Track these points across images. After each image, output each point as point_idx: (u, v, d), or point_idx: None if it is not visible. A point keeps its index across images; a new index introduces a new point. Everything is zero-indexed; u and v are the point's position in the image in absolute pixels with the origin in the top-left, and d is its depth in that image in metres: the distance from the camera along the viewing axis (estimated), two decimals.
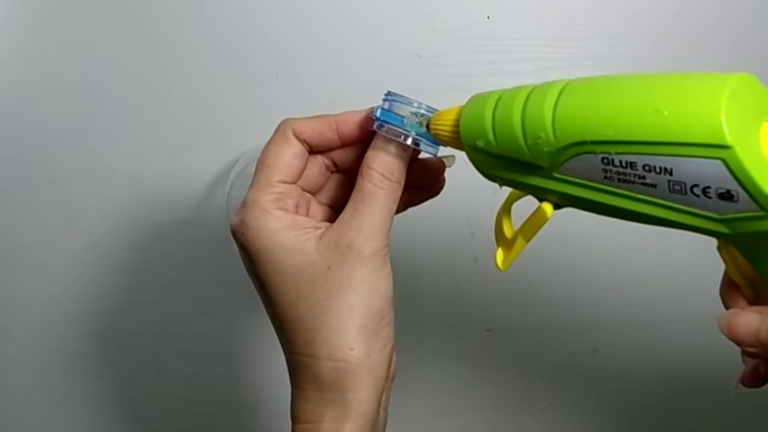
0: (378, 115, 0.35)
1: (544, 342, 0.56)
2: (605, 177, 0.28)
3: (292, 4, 0.55)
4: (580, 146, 0.27)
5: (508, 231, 0.34)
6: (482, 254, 0.55)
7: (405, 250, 0.55)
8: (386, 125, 0.35)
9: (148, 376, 0.58)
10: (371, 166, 0.35)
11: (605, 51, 0.54)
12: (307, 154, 0.38)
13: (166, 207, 0.56)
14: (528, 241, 0.33)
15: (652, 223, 0.28)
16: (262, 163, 0.37)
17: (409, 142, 0.35)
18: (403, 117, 0.35)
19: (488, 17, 0.54)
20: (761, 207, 0.24)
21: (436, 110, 0.35)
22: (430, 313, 0.56)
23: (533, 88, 0.29)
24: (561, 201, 0.31)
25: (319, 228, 0.36)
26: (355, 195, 0.36)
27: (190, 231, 0.56)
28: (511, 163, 0.30)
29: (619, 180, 0.27)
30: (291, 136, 0.37)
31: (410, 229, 0.54)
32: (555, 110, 0.28)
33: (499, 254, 0.35)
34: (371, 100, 0.36)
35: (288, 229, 0.35)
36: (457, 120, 0.32)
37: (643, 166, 0.26)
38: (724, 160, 0.24)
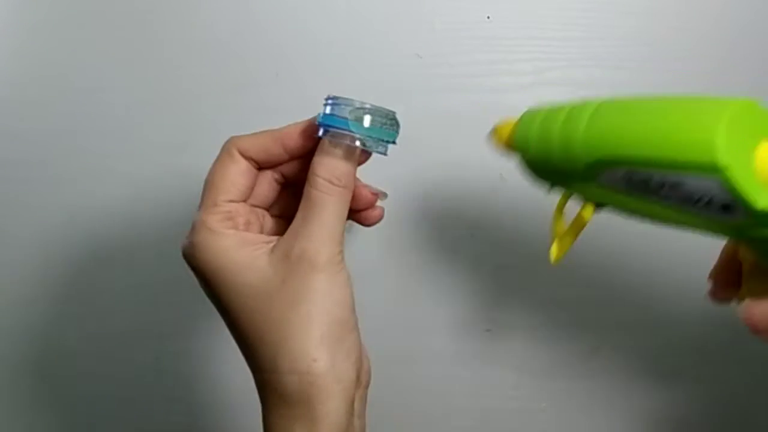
0: (321, 120, 0.35)
1: (544, 342, 0.56)
2: (631, 188, 0.32)
3: (292, 4, 0.54)
4: (607, 163, 0.32)
5: (560, 229, 0.37)
6: (482, 254, 0.55)
7: (405, 250, 0.55)
8: (331, 129, 0.35)
9: (148, 376, 0.58)
10: (317, 173, 0.35)
11: (605, 51, 0.54)
12: (254, 171, 0.37)
13: (166, 207, 0.56)
14: (574, 238, 0.37)
15: (680, 226, 0.32)
16: (207, 183, 0.36)
17: (356, 143, 0.35)
18: (347, 119, 0.34)
19: (488, 17, 0.54)
20: (756, 219, 0.28)
21: (380, 108, 0.35)
22: (430, 313, 0.56)
23: (571, 108, 0.34)
24: (600, 205, 0.35)
25: (270, 242, 0.35)
26: (304, 203, 0.35)
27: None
28: (555, 171, 0.35)
29: (642, 190, 0.31)
30: (236, 154, 0.36)
31: (410, 229, 0.54)
32: (585, 132, 0.33)
33: (553, 249, 0.37)
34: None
35: (238, 247, 0.35)
36: (512, 133, 0.37)
37: (658, 181, 0.30)
38: (720, 179, 0.28)
